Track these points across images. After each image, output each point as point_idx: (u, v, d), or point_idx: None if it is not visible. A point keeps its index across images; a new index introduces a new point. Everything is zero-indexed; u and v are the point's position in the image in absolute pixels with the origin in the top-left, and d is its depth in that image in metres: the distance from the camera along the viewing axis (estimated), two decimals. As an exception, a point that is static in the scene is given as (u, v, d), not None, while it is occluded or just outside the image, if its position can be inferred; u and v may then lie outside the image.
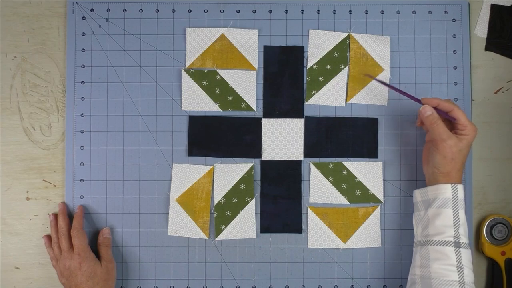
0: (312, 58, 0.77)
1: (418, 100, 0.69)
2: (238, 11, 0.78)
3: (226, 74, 0.77)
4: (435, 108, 0.67)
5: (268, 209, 0.76)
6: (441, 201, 0.64)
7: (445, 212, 0.63)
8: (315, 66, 0.77)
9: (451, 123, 0.68)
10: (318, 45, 0.77)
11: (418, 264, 0.64)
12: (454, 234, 0.62)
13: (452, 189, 0.64)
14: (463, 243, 0.62)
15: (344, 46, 0.77)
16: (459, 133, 0.66)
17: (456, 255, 0.61)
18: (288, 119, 0.77)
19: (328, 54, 0.77)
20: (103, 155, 0.76)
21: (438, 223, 0.63)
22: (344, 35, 0.77)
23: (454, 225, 0.62)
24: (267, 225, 0.76)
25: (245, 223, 0.76)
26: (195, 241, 0.76)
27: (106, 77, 0.77)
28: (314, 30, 0.77)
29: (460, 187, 0.64)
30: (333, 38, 0.78)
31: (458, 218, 0.63)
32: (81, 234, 0.72)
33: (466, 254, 0.62)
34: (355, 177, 0.77)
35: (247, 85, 0.77)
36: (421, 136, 0.77)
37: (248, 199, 0.76)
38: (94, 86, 0.77)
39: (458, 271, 0.61)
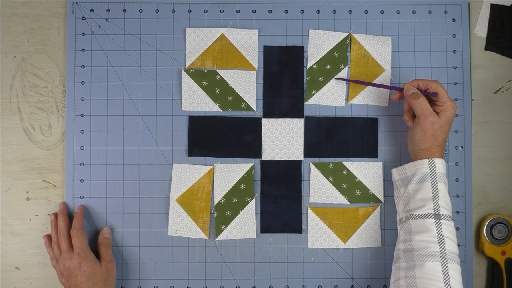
0: (312, 58, 0.77)
1: (399, 88, 0.71)
2: (238, 11, 0.78)
3: (226, 74, 0.77)
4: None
5: (268, 209, 0.76)
6: (420, 176, 0.65)
7: (424, 186, 0.64)
8: (315, 66, 0.77)
9: (431, 100, 0.69)
10: (318, 45, 0.77)
11: (402, 239, 0.66)
12: (434, 206, 0.63)
13: (429, 163, 0.65)
14: (443, 215, 0.63)
15: (344, 46, 0.77)
16: (439, 109, 0.67)
17: (436, 227, 0.62)
18: (288, 119, 0.77)
19: (328, 54, 0.77)
20: (103, 155, 0.76)
21: (418, 197, 0.64)
22: (344, 35, 0.77)
23: (433, 198, 0.64)
24: (267, 225, 0.76)
25: (245, 223, 0.76)
26: (195, 241, 0.76)
27: (106, 77, 0.77)
28: (314, 30, 0.77)
29: (438, 161, 0.65)
30: (333, 38, 0.78)
31: (438, 191, 0.64)
32: (81, 234, 0.72)
33: (448, 226, 0.63)
34: (355, 177, 0.77)
35: (247, 85, 0.77)
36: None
37: (248, 199, 0.76)
38: (94, 86, 0.77)
39: (439, 242, 0.61)
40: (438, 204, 0.63)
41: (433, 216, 0.63)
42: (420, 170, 0.66)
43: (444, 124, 0.67)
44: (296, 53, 0.77)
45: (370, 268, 0.76)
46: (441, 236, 0.62)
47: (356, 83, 0.75)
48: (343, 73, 0.77)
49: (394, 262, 0.67)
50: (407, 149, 0.72)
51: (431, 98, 0.69)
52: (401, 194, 0.68)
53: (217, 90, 0.77)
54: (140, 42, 0.77)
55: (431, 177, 0.65)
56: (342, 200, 0.76)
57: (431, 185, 0.64)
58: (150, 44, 0.77)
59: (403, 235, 0.66)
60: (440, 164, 0.66)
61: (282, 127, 0.77)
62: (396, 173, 0.70)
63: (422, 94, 0.68)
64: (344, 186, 0.76)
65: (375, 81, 0.77)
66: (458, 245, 0.68)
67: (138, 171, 0.76)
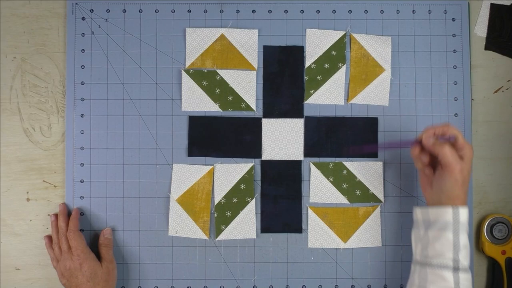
0: (310, 57, 0.77)
1: (413, 142, 0.67)
2: (237, 11, 0.78)
3: (226, 74, 0.77)
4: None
5: (268, 209, 0.76)
6: (442, 224, 0.62)
7: (445, 235, 0.62)
8: (313, 65, 0.77)
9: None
10: (316, 44, 0.77)
11: (416, 283, 0.63)
12: (454, 257, 0.61)
13: (453, 212, 0.62)
14: (462, 267, 0.61)
15: (341, 44, 0.77)
16: (460, 154, 0.64)
17: (454, 279, 0.60)
18: (288, 119, 0.77)
19: (325, 53, 0.77)
20: (103, 156, 0.76)
21: (438, 246, 0.62)
22: (341, 33, 0.77)
23: (454, 249, 0.61)
24: (267, 225, 0.76)
25: (246, 223, 0.76)
26: (195, 241, 0.76)
27: (106, 77, 0.77)
28: (311, 29, 0.77)
29: (462, 210, 0.62)
30: (330, 37, 0.78)
31: (459, 242, 0.61)
32: (78, 235, 0.72)
33: (465, 278, 0.61)
34: (355, 177, 0.77)
35: (247, 85, 0.77)
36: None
37: (248, 199, 0.76)
38: (94, 86, 0.77)
39: None
40: (458, 256, 0.61)
41: (452, 268, 0.61)
42: (442, 218, 0.62)
43: (470, 168, 0.64)
44: (296, 53, 0.77)
45: (371, 268, 0.76)
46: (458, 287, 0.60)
47: (385, 147, 0.74)
48: (342, 71, 0.77)
49: None
50: (424, 194, 0.68)
51: (450, 142, 0.65)
52: (421, 235, 0.65)
53: (217, 90, 0.77)
54: (140, 42, 0.77)
55: (453, 226, 0.62)
56: (342, 200, 0.76)
57: (453, 235, 0.62)
58: (150, 44, 0.77)
59: (417, 280, 0.63)
60: (464, 213, 0.62)
61: (282, 127, 0.77)
62: (419, 212, 0.66)
63: (442, 141, 0.65)
64: (344, 186, 0.76)
65: (374, 81, 0.77)
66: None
67: (138, 171, 0.76)
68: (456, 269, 0.61)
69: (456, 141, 0.64)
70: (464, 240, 0.62)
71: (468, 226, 0.63)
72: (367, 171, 0.77)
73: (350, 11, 0.78)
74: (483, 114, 0.79)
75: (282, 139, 0.77)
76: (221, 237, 0.76)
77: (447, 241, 0.61)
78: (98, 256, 0.73)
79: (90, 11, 0.77)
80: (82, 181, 0.76)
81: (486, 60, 0.79)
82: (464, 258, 0.62)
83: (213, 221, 0.76)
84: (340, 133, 0.77)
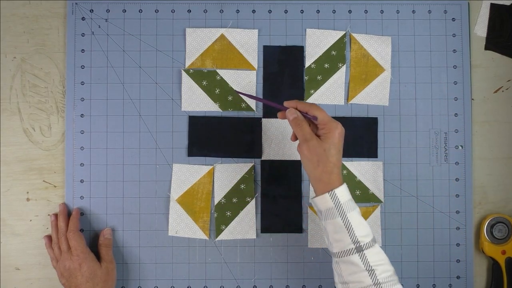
0: (310, 57, 0.77)
1: (282, 106, 0.66)
2: (237, 11, 0.78)
3: (226, 74, 0.77)
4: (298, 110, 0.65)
5: (268, 209, 0.76)
6: (328, 212, 0.61)
7: (335, 222, 0.60)
8: (313, 65, 0.77)
9: (315, 126, 0.64)
10: (316, 44, 0.77)
11: (336, 276, 0.62)
12: (352, 240, 0.59)
13: (331, 197, 0.60)
14: (364, 244, 0.59)
15: (341, 44, 0.77)
16: (321, 132, 0.62)
17: (362, 260, 0.59)
18: (288, 119, 0.77)
19: (325, 53, 0.77)
20: (103, 156, 0.76)
21: (334, 234, 0.60)
22: (341, 33, 0.77)
23: (348, 231, 0.60)
24: (267, 225, 0.76)
25: (246, 223, 0.76)
26: (195, 241, 0.76)
27: (106, 77, 0.77)
28: (311, 29, 0.77)
29: (338, 191, 0.60)
30: (330, 37, 0.78)
31: (349, 223, 0.60)
32: (78, 235, 0.72)
33: (372, 253, 0.60)
34: (355, 177, 0.77)
35: (247, 85, 0.77)
36: (421, 135, 0.77)
37: (248, 199, 0.76)
38: (94, 86, 0.77)
39: (370, 274, 0.59)
40: (355, 236, 0.59)
41: (355, 250, 0.59)
42: (325, 205, 0.60)
43: (330, 148, 0.61)
44: (296, 53, 0.77)
45: (371, 268, 0.76)
46: (369, 267, 0.59)
47: (254, 98, 0.70)
48: (342, 71, 0.77)
49: None
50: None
51: (314, 123, 0.64)
52: (323, 227, 0.63)
53: (217, 90, 0.77)
54: (140, 42, 0.77)
55: (337, 210, 0.60)
56: (342, 200, 0.76)
57: (341, 218, 0.60)
58: (150, 44, 0.77)
59: (337, 277, 0.62)
60: (341, 193, 0.60)
61: (282, 127, 0.77)
62: (313, 204, 0.63)
63: (304, 118, 0.64)
64: (344, 186, 0.76)
65: (374, 81, 0.77)
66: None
67: (138, 172, 0.76)
68: (359, 249, 0.59)
69: (319, 120, 0.62)
70: (354, 218, 0.60)
71: (352, 202, 0.61)
72: (367, 171, 0.77)
73: (350, 11, 0.78)
74: (483, 114, 0.79)
75: (282, 139, 0.77)
76: (221, 237, 0.76)
77: (339, 226, 0.60)
78: (98, 256, 0.73)
79: (90, 11, 0.77)
80: (82, 181, 0.76)
81: (486, 60, 0.79)
82: (362, 235, 0.60)
83: (213, 221, 0.76)
84: (340, 133, 0.77)
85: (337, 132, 0.62)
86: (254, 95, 0.77)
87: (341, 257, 0.60)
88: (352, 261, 0.59)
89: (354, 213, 0.60)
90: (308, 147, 0.61)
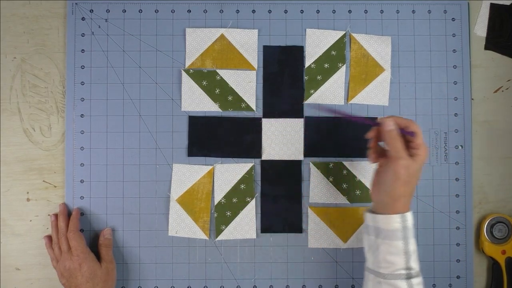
0: (309, 57, 0.77)
1: (374, 123, 0.65)
2: (237, 11, 0.78)
3: (225, 74, 0.77)
4: None
5: (268, 209, 0.76)
6: (391, 233, 0.60)
7: (395, 244, 0.60)
8: (313, 65, 0.77)
9: (406, 143, 0.63)
10: (315, 44, 0.77)
11: None
12: (406, 266, 0.60)
13: (401, 220, 0.60)
14: (414, 272, 0.60)
15: (341, 44, 0.77)
16: (413, 152, 0.61)
17: (408, 287, 0.60)
18: (288, 119, 0.77)
19: (325, 52, 0.77)
20: (103, 156, 0.76)
21: (388, 256, 0.61)
22: (341, 33, 0.77)
23: (405, 257, 0.60)
24: (267, 225, 0.76)
25: (246, 223, 0.76)
26: (195, 241, 0.76)
27: (105, 77, 0.77)
28: (311, 29, 0.77)
29: (409, 216, 0.61)
30: (330, 37, 0.78)
31: (409, 249, 0.60)
32: (78, 236, 0.72)
33: (417, 282, 0.60)
34: (355, 177, 0.77)
35: (247, 85, 0.77)
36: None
37: (248, 199, 0.76)
38: (94, 86, 0.77)
39: None
40: (409, 264, 0.60)
41: (405, 276, 0.60)
42: (391, 226, 0.60)
43: (418, 170, 0.61)
44: (296, 53, 0.77)
45: (371, 267, 0.76)
46: None
47: (343, 115, 0.69)
48: (342, 71, 0.77)
49: None
50: (370, 192, 0.65)
51: (407, 139, 0.63)
52: (371, 242, 0.63)
53: (217, 90, 0.77)
54: (139, 42, 0.77)
55: (402, 234, 0.60)
56: (342, 200, 0.76)
57: (403, 243, 0.60)
58: (149, 45, 0.77)
59: None
60: (410, 219, 0.61)
61: (282, 127, 0.77)
62: (370, 219, 0.63)
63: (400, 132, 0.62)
64: (344, 186, 0.76)
65: (374, 81, 0.77)
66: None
67: (138, 172, 0.76)
68: (409, 276, 0.60)
69: (413, 139, 0.62)
70: (413, 245, 0.61)
71: (414, 230, 0.62)
72: (367, 171, 0.77)
73: (350, 11, 0.78)
74: (483, 114, 0.79)
75: (282, 139, 0.77)
76: (221, 237, 0.76)
77: (397, 249, 0.60)
78: (98, 257, 0.73)
79: (90, 11, 0.77)
80: (82, 181, 0.76)
81: (486, 60, 0.79)
82: (415, 263, 0.61)
83: (213, 221, 0.76)
84: (340, 133, 0.77)
85: (426, 156, 0.62)
86: (254, 94, 0.77)
87: (388, 279, 0.60)
88: (398, 286, 0.60)
89: (414, 240, 0.61)
90: (398, 165, 0.60)
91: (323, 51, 0.77)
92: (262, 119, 0.77)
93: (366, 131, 0.77)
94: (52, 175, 0.77)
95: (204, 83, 0.77)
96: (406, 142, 0.63)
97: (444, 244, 0.76)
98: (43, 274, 0.77)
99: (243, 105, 0.77)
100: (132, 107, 0.77)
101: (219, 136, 0.77)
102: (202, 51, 0.77)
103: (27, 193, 0.77)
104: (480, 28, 0.79)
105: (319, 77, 0.77)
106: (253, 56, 0.77)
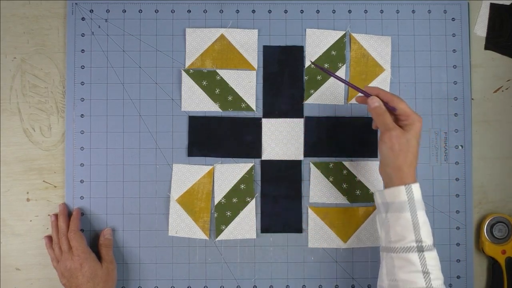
0: (309, 57, 0.77)
1: (363, 91, 0.66)
2: (237, 11, 0.78)
3: (225, 74, 0.77)
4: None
5: (268, 209, 0.76)
6: (398, 205, 0.61)
7: (404, 216, 0.60)
8: (313, 65, 0.77)
9: (395, 116, 0.65)
10: (316, 44, 0.77)
11: (384, 272, 0.62)
12: (416, 238, 0.60)
13: (406, 191, 0.61)
14: (426, 245, 0.60)
15: (341, 44, 0.77)
16: (403, 123, 0.63)
17: (420, 260, 0.59)
18: (288, 119, 0.77)
19: (325, 53, 0.77)
20: (103, 156, 0.76)
21: (398, 228, 0.61)
22: (341, 33, 0.78)
23: (414, 229, 0.60)
24: (267, 225, 0.76)
25: (246, 223, 0.76)
26: (195, 242, 0.76)
27: (105, 77, 0.77)
28: (311, 29, 0.77)
29: (415, 187, 0.61)
30: (330, 37, 0.78)
31: (418, 221, 0.60)
32: (79, 236, 0.72)
33: (431, 256, 0.60)
34: (355, 177, 0.77)
35: (247, 85, 0.77)
36: (421, 135, 0.77)
37: (248, 199, 0.76)
38: (94, 87, 0.77)
39: (424, 277, 0.58)
40: (420, 235, 0.60)
41: (416, 249, 0.59)
42: (397, 198, 0.61)
43: (411, 139, 0.62)
44: (296, 53, 0.77)
45: (371, 267, 0.76)
46: (425, 269, 0.59)
47: (336, 78, 0.68)
48: (342, 71, 0.77)
49: None
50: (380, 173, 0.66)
51: (393, 114, 0.64)
52: (383, 219, 0.64)
53: (217, 90, 0.77)
54: (139, 42, 0.77)
55: (409, 205, 0.60)
56: (342, 199, 0.76)
57: (411, 214, 0.60)
58: (149, 45, 0.77)
59: (385, 267, 0.62)
60: (417, 190, 0.61)
61: (282, 127, 0.77)
62: (378, 196, 0.64)
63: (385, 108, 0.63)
64: (344, 185, 0.76)
65: (374, 81, 0.77)
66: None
67: (138, 172, 0.76)
68: (420, 249, 0.59)
69: (400, 111, 0.63)
70: (422, 217, 0.61)
71: (422, 202, 0.62)
72: (367, 171, 0.77)
73: (350, 11, 0.78)
74: (483, 113, 0.79)
75: (282, 139, 0.77)
76: (221, 237, 0.76)
77: (406, 221, 0.60)
78: (98, 257, 0.73)
79: (90, 11, 0.77)
80: (82, 181, 0.76)
81: (486, 60, 0.79)
82: (426, 236, 0.60)
83: (213, 221, 0.76)
84: (340, 133, 0.77)
85: (419, 125, 0.63)
86: (254, 94, 0.77)
87: (399, 252, 0.60)
88: (410, 259, 0.59)
89: (423, 213, 0.61)
90: (390, 137, 0.62)
91: (323, 51, 0.77)
92: (262, 119, 0.77)
93: (366, 131, 0.77)
94: (52, 175, 0.77)
95: (204, 83, 0.77)
96: (395, 115, 0.64)
97: (444, 244, 0.76)
98: (43, 274, 0.77)
99: (243, 105, 0.77)
100: (132, 107, 0.77)
101: (219, 136, 0.77)
102: (202, 51, 0.77)
103: (27, 193, 0.77)
104: (480, 28, 0.79)
105: (319, 77, 0.77)
106: (253, 56, 0.77)
